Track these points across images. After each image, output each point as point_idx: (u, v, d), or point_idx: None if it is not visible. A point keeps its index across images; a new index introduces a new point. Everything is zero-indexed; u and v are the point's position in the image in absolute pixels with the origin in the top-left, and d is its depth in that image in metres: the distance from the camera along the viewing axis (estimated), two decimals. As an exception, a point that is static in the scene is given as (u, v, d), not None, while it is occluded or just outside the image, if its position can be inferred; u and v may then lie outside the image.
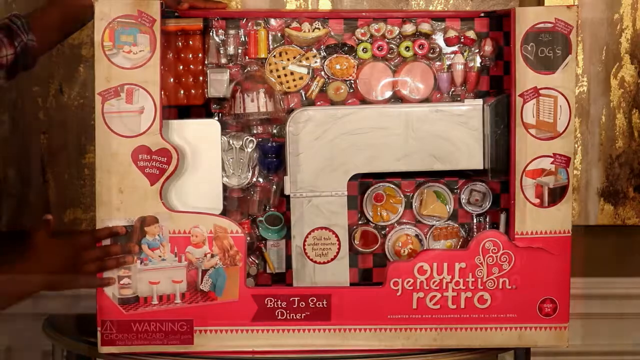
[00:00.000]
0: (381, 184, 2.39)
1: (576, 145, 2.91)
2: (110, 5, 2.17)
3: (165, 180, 2.20)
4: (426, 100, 2.33)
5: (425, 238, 2.39)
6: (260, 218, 2.36)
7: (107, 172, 2.19)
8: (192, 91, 2.32)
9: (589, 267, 2.81)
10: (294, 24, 2.32)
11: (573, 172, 2.88)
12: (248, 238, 2.34)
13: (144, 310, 2.23)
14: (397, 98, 2.34)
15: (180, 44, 2.30)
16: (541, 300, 2.27)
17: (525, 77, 2.22)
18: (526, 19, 2.22)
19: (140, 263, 2.21)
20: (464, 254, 2.27)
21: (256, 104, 2.27)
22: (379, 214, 2.38)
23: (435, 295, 2.26)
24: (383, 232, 2.39)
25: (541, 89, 2.23)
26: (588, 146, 2.90)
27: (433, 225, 2.39)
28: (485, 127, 2.28)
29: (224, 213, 2.30)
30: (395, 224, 2.40)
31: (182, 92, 2.31)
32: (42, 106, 2.93)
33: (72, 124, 2.93)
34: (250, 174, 2.33)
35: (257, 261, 2.37)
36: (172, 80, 2.30)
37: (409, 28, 2.33)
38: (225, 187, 2.32)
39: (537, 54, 2.22)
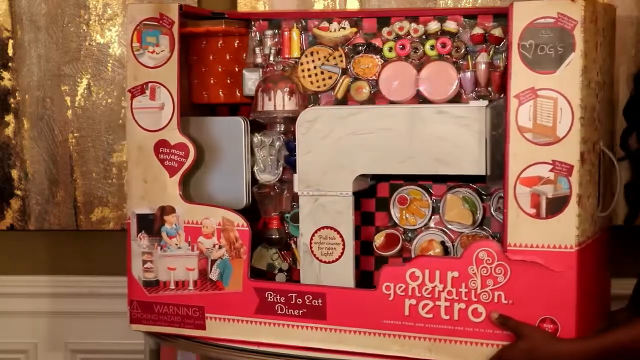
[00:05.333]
0: (407, 186, 2.32)
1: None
2: (138, 9, 2.34)
3: (183, 172, 2.33)
4: (451, 100, 2.24)
5: (453, 245, 2.29)
6: (287, 215, 2.40)
7: (135, 163, 2.37)
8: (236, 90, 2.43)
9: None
10: (322, 24, 2.33)
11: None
12: (277, 234, 2.40)
13: (164, 293, 2.37)
14: (420, 98, 2.26)
15: (220, 44, 2.42)
16: (541, 319, 2.09)
17: (522, 76, 2.05)
18: (525, 14, 2.05)
19: (161, 249, 2.36)
20: (456, 263, 2.14)
21: (274, 102, 2.32)
22: (404, 217, 2.32)
23: (428, 304, 2.16)
24: (411, 236, 2.33)
25: (539, 89, 2.04)
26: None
27: (462, 233, 2.28)
28: (486, 130, 2.14)
29: (256, 208, 2.39)
30: (423, 229, 2.32)
31: (220, 91, 2.43)
32: (71, 105, 2.97)
33: (99, 123, 2.96)
34: (280, 170, 2.38)
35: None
36: (212, 80, 2.43)
37: (433, 26, 2.25)
38: (257, 182, 2.39)
39: (537, 51, 2.04)
